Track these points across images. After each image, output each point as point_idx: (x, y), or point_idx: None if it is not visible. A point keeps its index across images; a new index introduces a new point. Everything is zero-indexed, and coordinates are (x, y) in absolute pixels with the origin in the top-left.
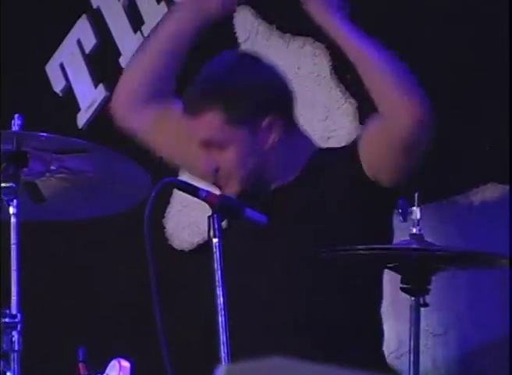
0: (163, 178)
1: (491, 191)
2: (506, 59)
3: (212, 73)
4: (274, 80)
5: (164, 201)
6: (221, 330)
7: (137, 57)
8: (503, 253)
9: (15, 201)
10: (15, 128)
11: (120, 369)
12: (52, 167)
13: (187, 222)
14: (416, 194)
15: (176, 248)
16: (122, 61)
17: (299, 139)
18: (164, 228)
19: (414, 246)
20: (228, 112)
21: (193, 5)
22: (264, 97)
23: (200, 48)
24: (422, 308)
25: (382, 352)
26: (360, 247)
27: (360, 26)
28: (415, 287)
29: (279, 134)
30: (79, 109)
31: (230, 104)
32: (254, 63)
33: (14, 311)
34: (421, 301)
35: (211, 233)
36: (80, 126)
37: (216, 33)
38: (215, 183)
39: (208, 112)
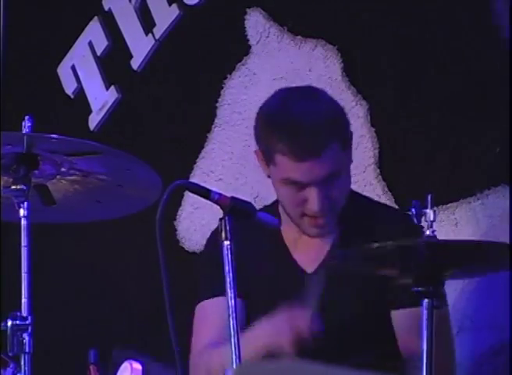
0: (175, 180)
1: (501, 193)
2: None
3: (306, 108)
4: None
5: (175, 204)
6: (232, 332)
7: None
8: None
9: (25, 203)
10: (25, 130)
11: (132, 372)
12: (63, 169)
13: (199, 224)
14: (429, 196)
15: (187, 250)
16: (134, 63)
17: None
18: (175, 230)
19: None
20: (343, 141)
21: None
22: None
23: (211, 50)
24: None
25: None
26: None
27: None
28: (428, 289)
29: None
30: (90, 111)
31: (342, 131)
32: (322, 94)
33: (25, 313)
34: (435, 303)
35: (223, 236)
36: (91, 128)
37: (228, 36)
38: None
39: (332, 144)
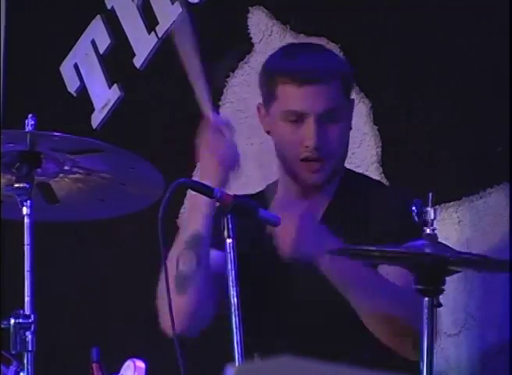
0: (177, 178)
1: (504, 191)
2: None
3: (309, 52)
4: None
5: (178, 202)
6: (234, 329)
7: None
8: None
9: (28, 201)
10: (28, 128)
11: (135, 370)
12: (66, 167)
13: None
14: (430, 195)
15: None
16: (137, 61)
17: None
18: (178, 229)
19: (427, 251)
20: (344, 84)
21: None
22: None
23: (213, 48)
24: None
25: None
26: (372, 248)
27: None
28: (429, 287)
29: None
30: (93, 110)
31: (346, 76)
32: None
33: (28, 311)
34: (435, 301)
35: (225, 234)
36: (94, 127)
37: (230, 34)
38: (306, 161)
39: (333, 81)
